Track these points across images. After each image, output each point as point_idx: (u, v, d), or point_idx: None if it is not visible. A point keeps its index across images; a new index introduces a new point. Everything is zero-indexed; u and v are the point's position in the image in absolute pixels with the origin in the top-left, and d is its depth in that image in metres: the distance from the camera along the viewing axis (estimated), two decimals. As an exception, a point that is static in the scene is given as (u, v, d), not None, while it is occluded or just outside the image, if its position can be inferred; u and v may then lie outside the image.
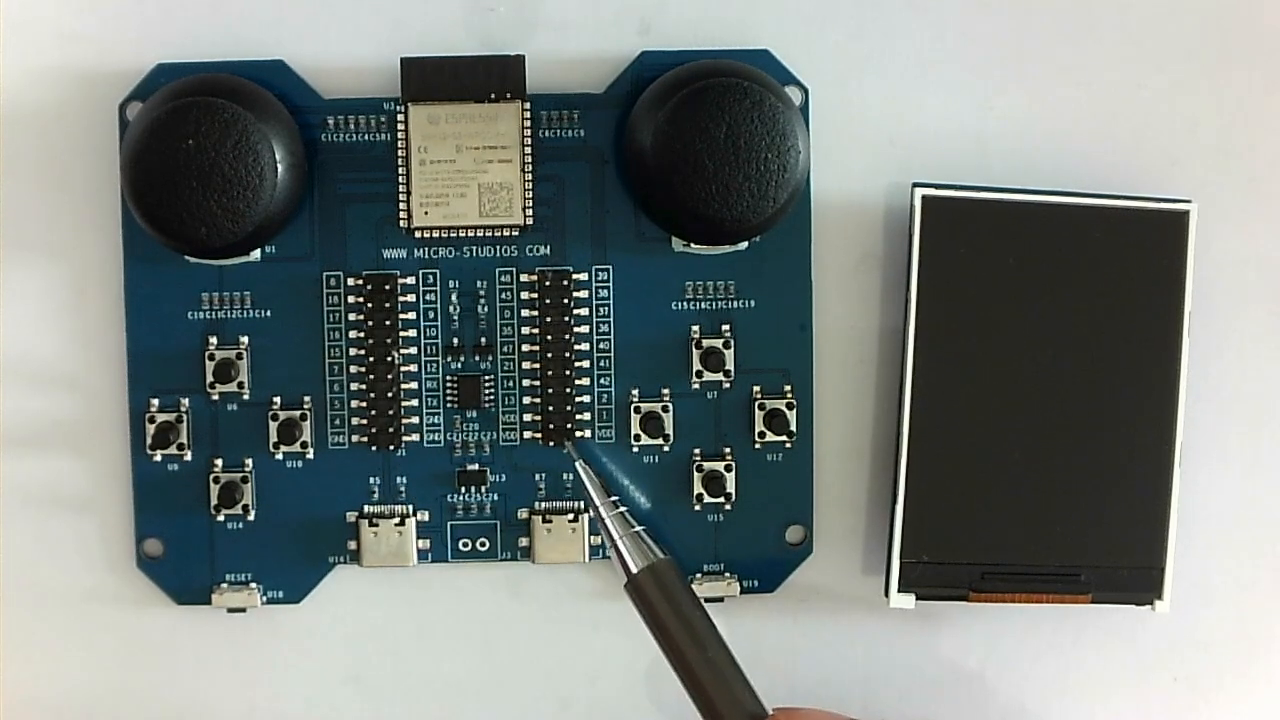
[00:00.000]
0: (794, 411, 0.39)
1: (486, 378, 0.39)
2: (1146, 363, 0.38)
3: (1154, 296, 0.38)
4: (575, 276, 0.39)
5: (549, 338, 0.38)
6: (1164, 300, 0.38)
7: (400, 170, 0.38)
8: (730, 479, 0.39)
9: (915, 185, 0.38)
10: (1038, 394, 0.38)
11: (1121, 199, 0.38)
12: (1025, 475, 0.38)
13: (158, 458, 0.39)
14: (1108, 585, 0.38)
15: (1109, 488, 0.38)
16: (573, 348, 0.39)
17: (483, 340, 0.39)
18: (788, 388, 0.39)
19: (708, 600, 0.39)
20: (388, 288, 0.38)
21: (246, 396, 0.39)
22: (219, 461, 0.39)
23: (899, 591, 0.38)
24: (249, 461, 0.39)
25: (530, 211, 0.38)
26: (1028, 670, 0.40)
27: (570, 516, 0.39)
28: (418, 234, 0.38)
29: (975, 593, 0.38)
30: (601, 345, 0.39)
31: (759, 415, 0.39)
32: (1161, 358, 0.38)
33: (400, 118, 0.38)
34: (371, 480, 0.39)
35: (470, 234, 0.38)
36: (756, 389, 0.39)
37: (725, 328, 0.39)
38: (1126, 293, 0.38)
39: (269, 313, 0.39)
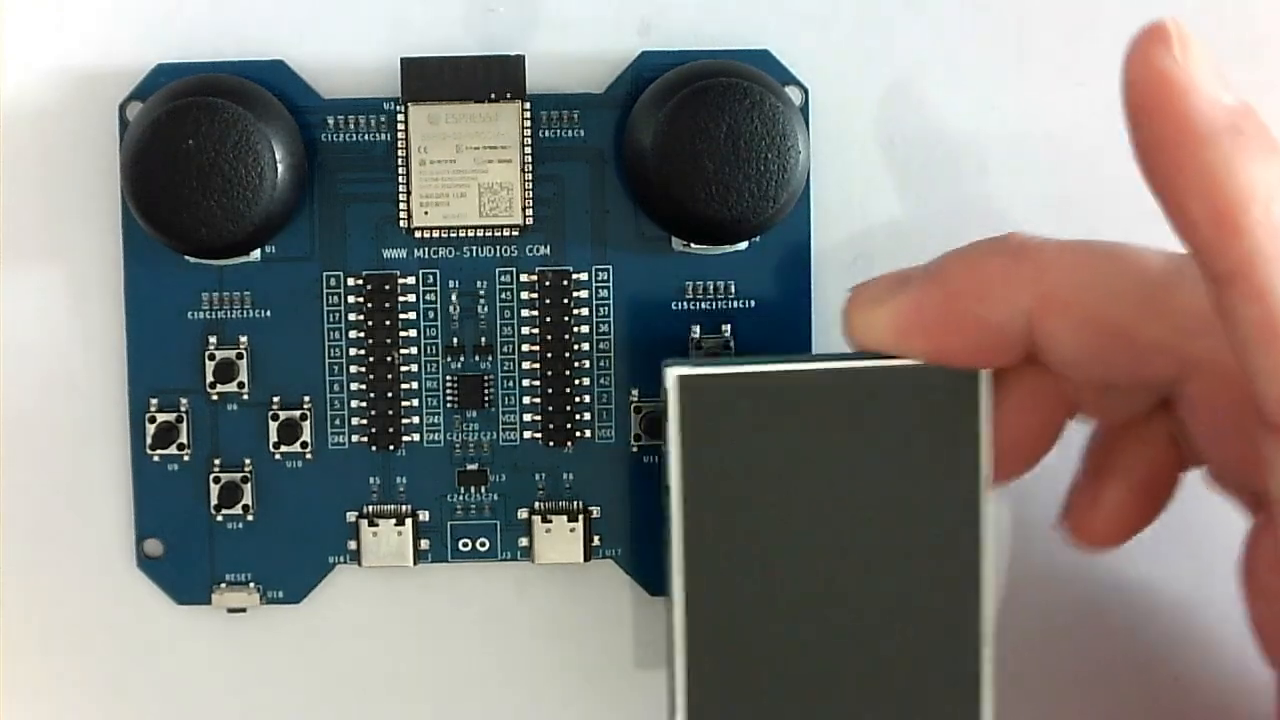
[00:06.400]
0: (794, 411, 0.39)
1: (487, 378, 0.39)
2: (945, 536, 0.34)
3: (951, 468, 0.34)
4: (575, 276, 0.39)
5: (549, 338, 0.38)
6: (962, 469, 0.34)
7: (400, 170, 0.38)
8: (730, 479, 0.39)
9: (666, 365, 0.34)
10: (829, 574, 0.34)
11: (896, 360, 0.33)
12: (820, 661, 0.34)
13: (157, 458, 0.39)
14: None
15: (914, 670, 0.34)
16: (573, 348, 0.39)
17: (483, 340, 0.39)
18: (788, 388, 0.39)
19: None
20: (388, 288, 0.38)
21: (246, 396, 0.39)
22: (219, 461, 0.39)
23: None
24: (249, 461, 0.39)
25: (530, 211, 0.38)
26: None
27: (569, 516, 0.39)
28: (418, 234, 0.38)
29: None
30: (601, 345, 0.39)
31: (759, 415, 0.39)
32: (961, 530, 0.34)
33: (400, 118, 0.38)
34: (371, 480, 0.39)
35: (470, 234, 0.38)
36: (756, 389, 0.39)
37: (725, 328, 0.39)
38: (920, 463, 0.33)
39: (269, 313, 0.39)
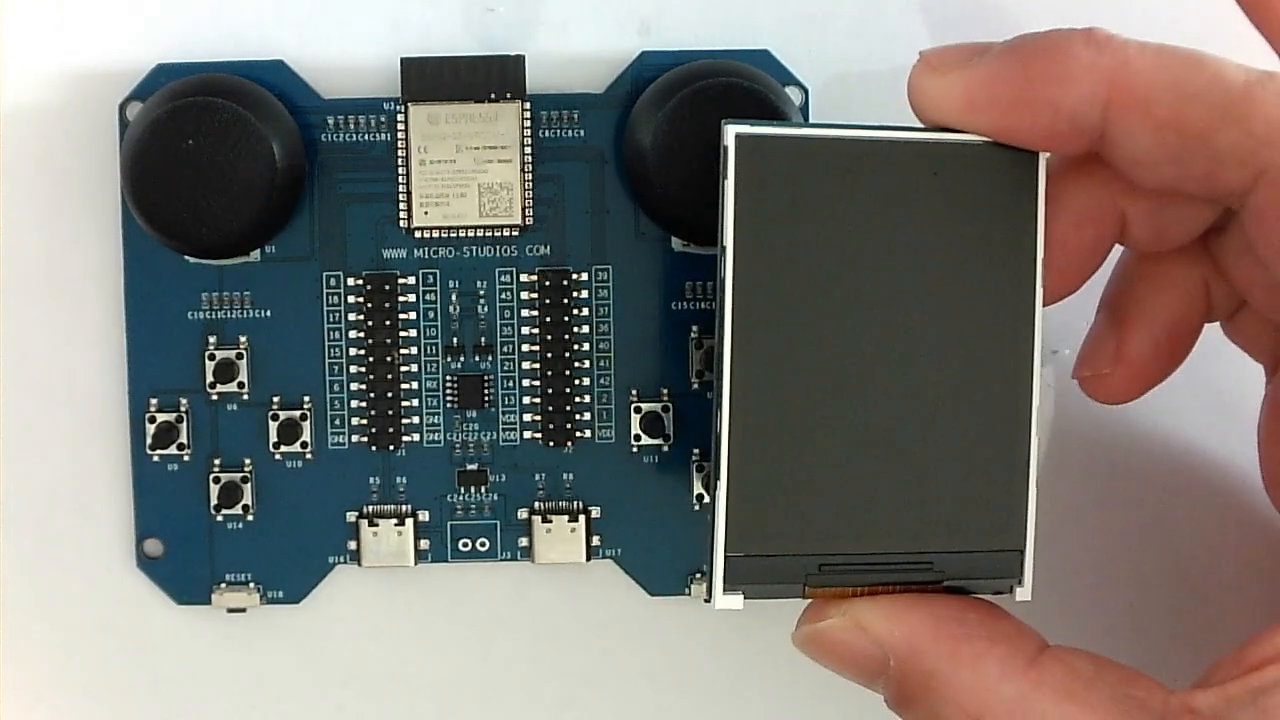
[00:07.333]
0: (794, 411, 0.39)
1: (487, 378, 0.39)
2: (997, 322, 0.33)
3: (1005, 250, 0.33)
4: (575, 276, 0.39)
5: (549, 338, 0.39)
6: (1016, 253, 0.33)
7: (400, 170, 0.38)
8: (730, 479, 0.39)
9: (726, 123, 0.32)
10: (877, 359, 0.33)
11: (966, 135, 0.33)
12: (864, 452, 0.33)
13: (157, 458, 0.39)
14: (962, 571, 0.33)
15: (959, 463, 0.33)
16: (573, 348, 0.39)
17: (483, 340, 0.39)
18: (788, 388, 0.39)
19: (707, 600, 0.39)
20: (388, 288, 0.38)
21: (246, 396, 0.39)
22: (219, 461, 0.39)
23: (725, 592, 0.33)
24: (249, 461, 0.39)
25: (530, 211, 0.38)
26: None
27: (570, 516, 0.39)
28: (418, 234, 0.38)
29: (811, 588, 0.33)
30: (601, 345, 0.39)
31: (759, 415, 0.39)
32: (1013, 317, 0.33)
33: (400, 118, 0.38)
34: (371, 480, 0.39)
35: (470, 234, 0.38)
36: (756, 389, 0.39)
37: (725, 328, 0.39)
38: (975, 245, 0.33)
39: (269, 313, 0.39)
